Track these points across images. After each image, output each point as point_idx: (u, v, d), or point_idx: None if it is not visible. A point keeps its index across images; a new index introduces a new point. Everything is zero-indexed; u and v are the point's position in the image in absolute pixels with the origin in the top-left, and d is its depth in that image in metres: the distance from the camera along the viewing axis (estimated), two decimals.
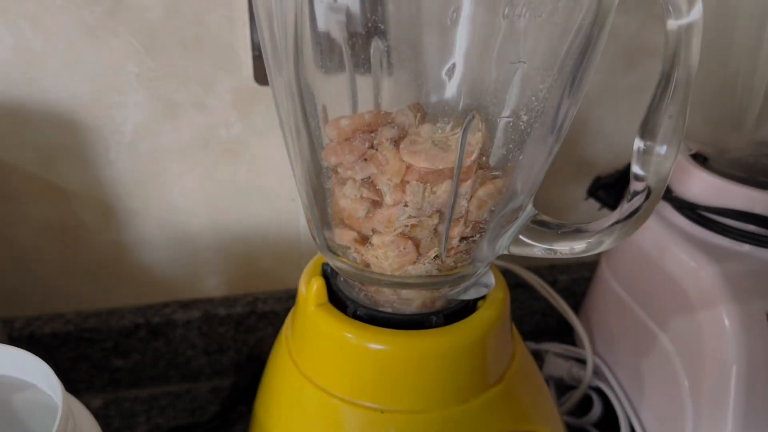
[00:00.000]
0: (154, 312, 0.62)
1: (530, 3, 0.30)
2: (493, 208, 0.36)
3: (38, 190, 0.57)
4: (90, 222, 0.59)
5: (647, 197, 0.34)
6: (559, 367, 0.62)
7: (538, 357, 0.64)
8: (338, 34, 0.33)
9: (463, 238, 0.37)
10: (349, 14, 0.32)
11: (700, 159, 0.54)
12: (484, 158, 0.35)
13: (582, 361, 0.61)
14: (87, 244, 0.60)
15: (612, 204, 0.61)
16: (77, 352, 0.61)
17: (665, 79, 0.32)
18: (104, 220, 0.59)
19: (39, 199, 0.57)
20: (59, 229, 0.59)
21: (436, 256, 0.37)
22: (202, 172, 0.59)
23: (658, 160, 0.33)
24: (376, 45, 0.33)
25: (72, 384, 0.62)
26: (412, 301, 0.40)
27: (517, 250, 0.39)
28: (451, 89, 0.33)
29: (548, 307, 0.71)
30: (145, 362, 0.64)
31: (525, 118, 0.34)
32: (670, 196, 0.53)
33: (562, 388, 0.63)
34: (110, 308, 0.63)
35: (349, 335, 0.39)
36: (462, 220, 0.36)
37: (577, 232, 0.37)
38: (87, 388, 0.63)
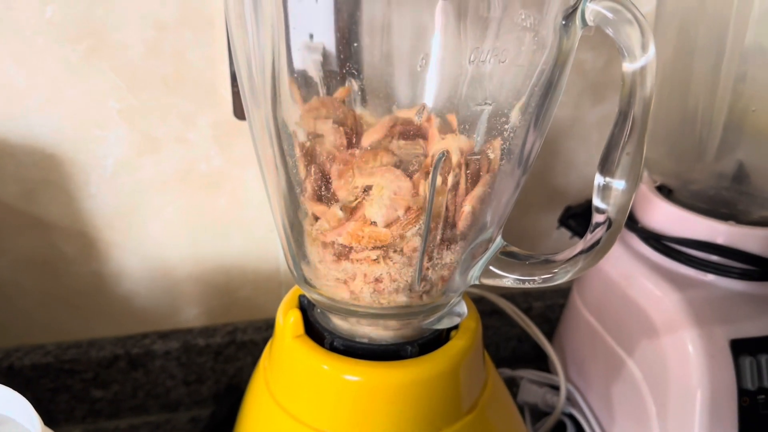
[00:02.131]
0: (133, 343, 0.63)
1: (494, 49, 0.32)
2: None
3: (19, 223, 0.58)
4: (70, 254, 0.60)
5: (608, 228, 0.36)
6: (533, 393, 0.63)
7: (514, 383, 0.66)
8: (314, 73, 0.35)
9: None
10: (324, 53, 0.34)
11: (665, 191, 0.56)
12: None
13: (556, 388, 0.62)
14: (67, 275, 0.61)
15: (582, 233, 0.63)
16: (57, 383, 0.61)
17: (622, 118, 0.33)
18: (85, 252, 0.60)
19: (20, 231, 0.58)
20: (40, 261, 0.60)
21: (411, 288, 0.38)
22: (183, 205, 0.60)
23: (618, 195, 0.34)
24: (350, 85, 0.35)
25: (52, 415, 0.62)
26: (388, 332, 0.41)
27: (487, 281, 0.40)
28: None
29: (523, 334, 0.72)
30: (125, 393, 0.64)
31: (492, 156, 0.36)
32: (636, 227, 0.55)
33: (536, 414, 0.64)
34: (90, 339, 0.63)
35: (326, 367, 0.40)
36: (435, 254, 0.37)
37: (544, 263, 0.38)
38: (67, 419, 0.63)
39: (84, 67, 0.53)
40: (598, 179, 0.35)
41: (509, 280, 0.39)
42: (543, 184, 0.70)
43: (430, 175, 0.35)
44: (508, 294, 0.71)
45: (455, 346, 0.42)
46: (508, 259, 0.40)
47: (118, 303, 0.63)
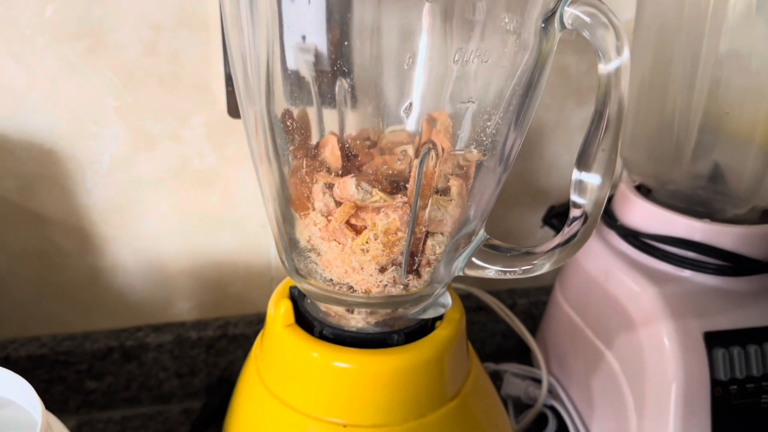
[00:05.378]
0: (127, 335, 0.64)
1: (478, 50, 0.34)
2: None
3: (16, 217, 0.59)
4: (66, 248, 0.61)
5: (584, 222, 0.37)
6: (516, 386, 0.65)
7: (497, 377, 0.67)
8: (306, 73, 0.37)
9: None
10: (316, 54, 0.36)
11: (644, 190, 0.58)
12: (439, 184, 0.39)
13: (538, 381, 0.64)
14: (63, 269, 0.62)
15: None
16: (52, 374, 0.63)
17: (598, 117, 0.35)
18: (80, 246, 0.62)
19: (17, 225, 0.59)
20: (36, 255, 0.61)
21: (396, 278, 0.40)
22: (177, 201, 0.62)
23: (594, 189, 0.36)
24: (341, 84, 0.36)
25: (46, 406, 0.63)
26: (374, 321, 0.43)
27: (471, 272, 0.42)
28: (409, 124, 0.37)
29: (508, 330, 0.74)
30: (119, 384, 0.65)
31: (475, 151, 0.38)
32: (615, 225, 0.57)
33: (519, 406, 0.65)
34: (85, 332, 0.65)
35: (315, 354, 0.41)
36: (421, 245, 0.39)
37: (525, 255, 0.40)
38: (61, 410, 0.64)
39: (82, 65, 0.54)
40: (576, 175, 0.37)
41: (491, 271, 0.41)
42: (527, 185, 0.72)
43: (416, 168, 0.37)
44: (494, 291, 0.73)
45: (440, 335, 0.43)
46: (490, 251, 0.41)
47: (113, 296, 0.65)
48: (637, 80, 0.56)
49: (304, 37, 0.35)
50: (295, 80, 0.37)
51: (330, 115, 0.39)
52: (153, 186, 0.61)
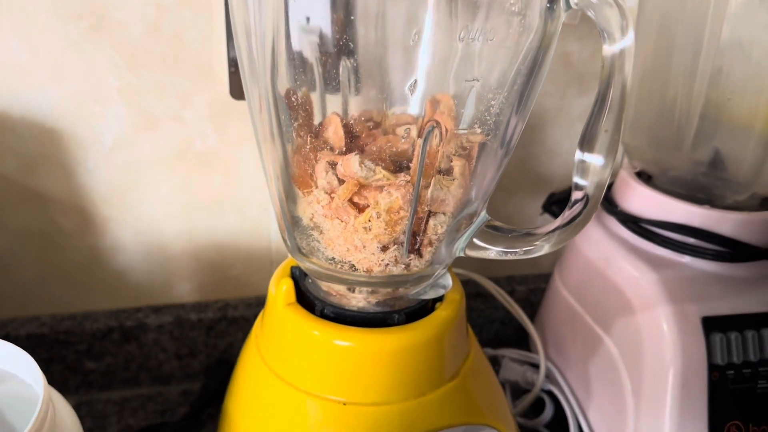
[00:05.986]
0: (127, 316, 0.65)
1: (483, 28, 0.34)
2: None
3: (18, 197, 0.59)
4: (67, 228, 0.61)
5: (586, 205, 0.38)
6: (514, 371, 0.65)
7: (496, 362, 0.68)
8: (310, 54, 0.37)
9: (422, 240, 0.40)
10: (321, 35, 0.36)
11: (645, 176, 0.58)
12: (442, 164, 0.39)
13: (536, 366, 0.65)
14: (64, 249, 0.62)
15: None
16: (51, 353, 0.63)
17: (601, 97, 0.36)
18: (81, 226, 0.62)
19: (18, 204, 0.59)
20: (37, 234, 0.61)
21: (398, 257, 0.40)
22: (178, 182, 0.62)
23: (596, 170, 0.37)
24: (345, 64, 0.37)
25: None
26: (375, 301, 0.43)
27: (472, 253, 0.42)
28: (413, 104, 0.37)
29: (506, 316, 0.74)
30: (118, 365, 0.66)
31: (479, 131, 0.38)
32: (615, 210, 0.57)
33: (517, 391, 0.66)
34: (85, 312, 0.65)
35: (316, 332, 0.41)
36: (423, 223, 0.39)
37: (526, 236, 0.41)
38: (60, 389, 0.64)
39: (85, 44, 0.54)
40: (578, 155, 0.37)
41: (493, 252, 0.41)
42: (528, 172, 0.72)
43: (419, 146, 0.37)
44: (493, 277, 0.73)
45: (440, 316, 0.44)
46: (492, 232, 0.42)
47: (114, 277, 0.65)
48: (639, 67, 0.57)
49: (308, 19, 0.36)
50: (299, 62, 0.37)
51: (334, 99, 0.39)
52: (154, 167, 0.61)
